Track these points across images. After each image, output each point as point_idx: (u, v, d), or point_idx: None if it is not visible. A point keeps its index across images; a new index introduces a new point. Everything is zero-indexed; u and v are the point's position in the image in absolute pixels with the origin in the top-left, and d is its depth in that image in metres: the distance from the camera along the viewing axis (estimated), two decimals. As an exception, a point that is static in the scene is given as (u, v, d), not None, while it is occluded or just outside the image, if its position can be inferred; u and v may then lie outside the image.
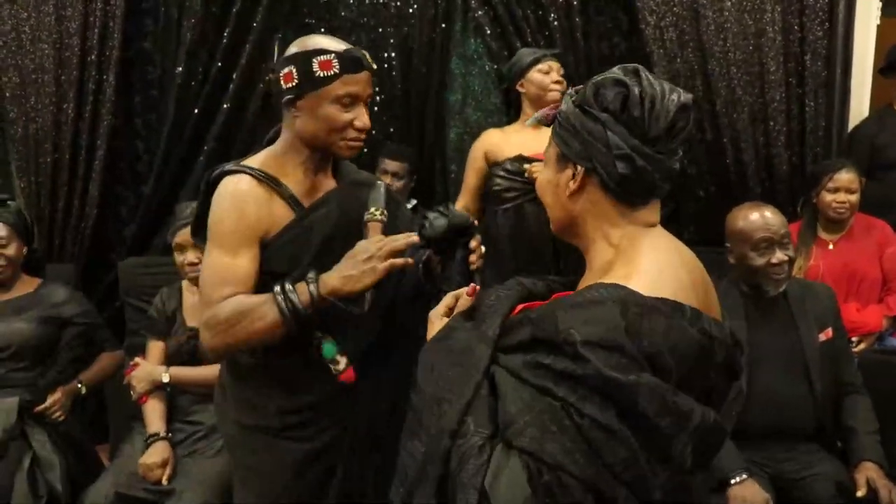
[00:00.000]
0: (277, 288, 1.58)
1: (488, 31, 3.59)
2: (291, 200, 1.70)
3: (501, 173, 3.03)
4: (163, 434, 2.46)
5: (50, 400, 2.60)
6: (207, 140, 3.64)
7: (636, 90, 1.14)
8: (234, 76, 3.60)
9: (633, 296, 1.07)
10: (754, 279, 2.39)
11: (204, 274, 1.66)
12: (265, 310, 1.57)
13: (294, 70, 1.62)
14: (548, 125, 1.27)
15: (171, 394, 2.58)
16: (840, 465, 2.36)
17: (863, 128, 3.46)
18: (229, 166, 1.72)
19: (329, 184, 1.78)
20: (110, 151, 3.61)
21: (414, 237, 1.61)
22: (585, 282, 1.21)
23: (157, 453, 2.41)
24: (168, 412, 2.54)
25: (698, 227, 3.65)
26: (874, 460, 2.29)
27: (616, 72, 1.18)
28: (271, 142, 1.79)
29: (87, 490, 2.41)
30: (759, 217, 2.38)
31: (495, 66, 3.68)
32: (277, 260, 1.67)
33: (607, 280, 1.12)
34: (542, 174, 1.27)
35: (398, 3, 3.63)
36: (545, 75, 2.98)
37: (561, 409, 1.03)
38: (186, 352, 2.58)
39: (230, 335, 1.58)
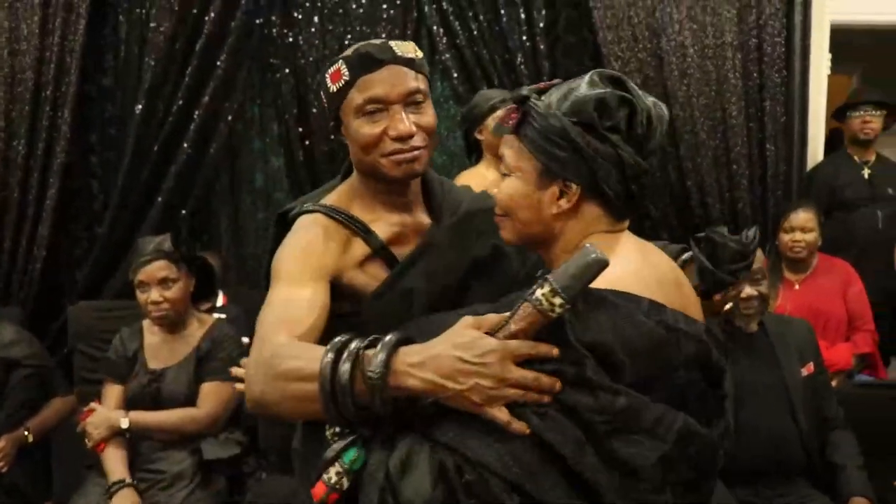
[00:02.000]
0: (330, 354, 1.06)
1: (455, 75, 3.60)
2: (384, 252, 1.37)
3: None
4: (129, 481, 2.30)
5: (-6, 448, 2.42)
6: (167, 180, 3.54)
7: (638, 108, 1.13)
8: (196, 115, 3.52)
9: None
10: (728, 314, 2.38)
11: (261, 314, 1.26)
12: (311, 377, 1.08)
13: (323, 96, 1.38)
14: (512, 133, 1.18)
15: (132, 440, 2.42)
16: (828, 501, 2.33)
17: (820, 170, 3.56)
18: (307, 206, 1.41)
19: (422, 220, 1.44)
20: (63, 190, 3.48)
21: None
22: None
23: (124, 500, 2.24)
24: (129, 460, 2.38)
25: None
26: (864, 495, 2.28)
27: (601, 82, 1.14)
28: (348, 171, 1.48)
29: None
30: None
31: (462, 109, 3.68)
32: (370, 329, 1.18)
33: None
34: (509, 187, 1.18)
35: (364, 45, 3.61)
36: None
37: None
38: (148, 395, 2.45)
39: (268, 392, 1.14)
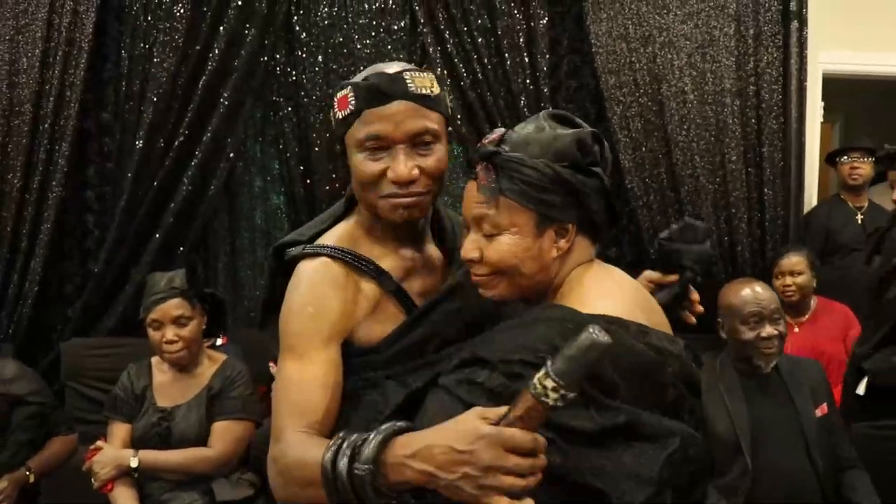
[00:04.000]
0: (329, 454, 1.05)
1: (458, 116, 3.63)
2: (398, 294, 1.31)
3: None
4: (141, 522, 2.22)
5: (-4, 489, 2.32)
6: (165, 217, 3.48)
7: (601, 138, 1.21)
8: (198, 152, 3.49)
9: (570, 313, 1.08)
10: (745, 353, 2.40)
11: (277, 395, 1.23)
12: (317, 487, 1.07)
13: (332, 116, 1.30)
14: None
15: (140, 481, 2.33)
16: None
17: (816, 214, 3.64)
18: (308, 247, 1.31)
19: (434, 256, 1.37)
20: (58, 225, 3.41)
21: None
22: None
23: (135, 543, 2.16)
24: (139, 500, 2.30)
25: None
26: None
27: (559, 123, 1.19)
28: (352, 201, 1.39)
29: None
30: (749, 292, 2.42)
31: (466, 151, 3.70)
32: (377, 376, 1.26)
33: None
34: (507, 245, 1.16)
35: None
36: None
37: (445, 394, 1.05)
38: (158, 434, 2.37)
39: (284, 488, 1.17)
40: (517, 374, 1.01)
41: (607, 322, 1.04)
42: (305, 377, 1.21)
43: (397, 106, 1.21)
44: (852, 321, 3.31)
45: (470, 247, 1.19)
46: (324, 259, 1.27)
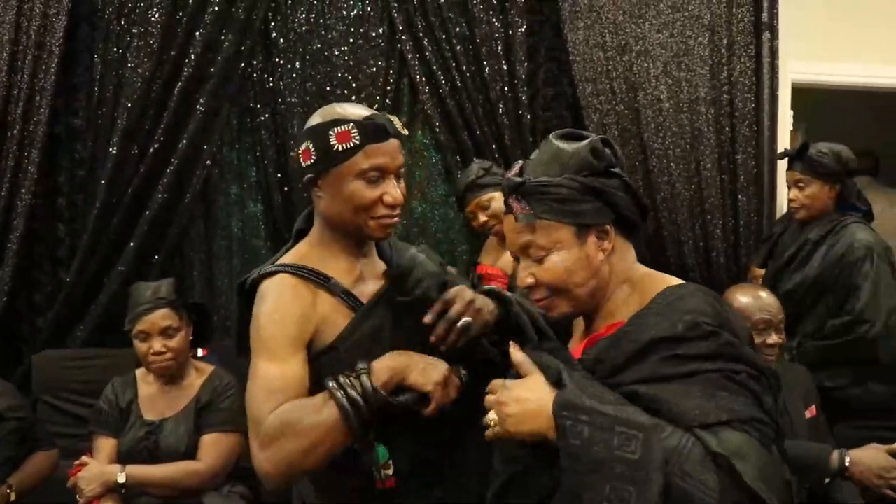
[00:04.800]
0: (333, 383, 1.35)
1: (437, 124, 3.62)
2: (346, 297, 1.49)
3: None
4: (129, 539, 2.17)
5: (-22, 508, 2.24)
6: (139, 225, 3.41)
7: (610, 142, 1.33)
8: (173, 159, 3.42)
9: (702, 287, 1.28)
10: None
11: (250, 391, 1.41)
12: (322, 409, 1.34)
13: (311, 145, 1.45)
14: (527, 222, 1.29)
15: (127, 496, 2.28)
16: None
17: (778, 222, 3.71)
18: (266, 268, 1.52)
19: (378, 268, 1.57)
20: (28, 233, 3.32)
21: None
22: (596, 325, 1.34)
23: (126, 561, 2.11)
24: (125, 517, 2.24)
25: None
26: None
27: (568, 138, 1.32)
28: (301, 231, 1.60)
29: None
30: (762, 298, 2.45)
31: (444, 158, 3.70)
32: (336, 368, 1.41)
33: (646, 300, 1.27)
34: (557, 262, 1.28)
35: (345, 91, 3.60)
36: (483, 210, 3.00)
37: (719, 378, 1.15)
38: (145, 448, 2.33)
39: (284, 449, 1.33)
40: (713, 332, 1.18)
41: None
42: (279, 372, 1.39)
43: (393, 143, 1.47)
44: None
45: (523, 275, 1.32)
46: (282, 275, 1.48)
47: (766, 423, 1.16)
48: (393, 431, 1.43)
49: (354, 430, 1.33)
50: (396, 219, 1.50)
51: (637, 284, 1.31)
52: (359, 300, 1.50)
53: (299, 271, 1.47)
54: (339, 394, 1.33)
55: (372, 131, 1.44)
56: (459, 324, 1.40)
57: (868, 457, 2.22)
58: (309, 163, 1.46)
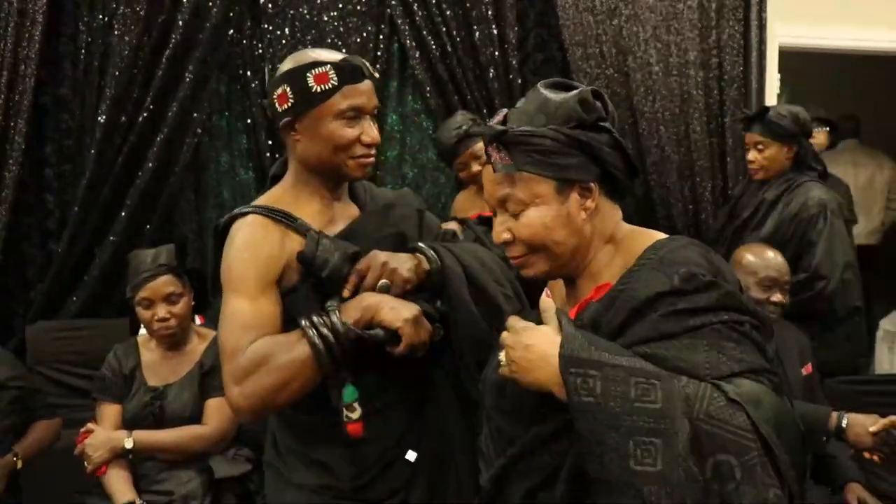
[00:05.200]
0: (305, 321, 1.41)
1: (427, 89, 3.61)
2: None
3: None
4: (139, 502, 2.18)
5: (-16, 475, 2.24)
6: (130, 195, 3.38)
7: (601, 94, 1.23)
8: (163, 127, 3.39)
9: (693, 240, 1.23)
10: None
11: (223, 326, 1.46)
12: (295, 347, 1.40)
13: (288, 89, 1.48)
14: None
15: (134, 461, 2.29)
16: (826, 490, 2.46)
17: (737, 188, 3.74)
18: (238, 209, 1.56)
19: (351, 211, 1.62)
20: (16, 205, 3.27)
21: None
22: (581, 289, 1.25)
23: (139, 523, 2.13)
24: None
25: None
26: (859, 480, 2.40)
27: (556, 87, 1.23)
28: (277, 176, 1.64)
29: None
30: (770, 256, 2.50)
31: (434, 123, 3.70)
32: (305, 305, 1.47)
33: (631, 259, 1.20)
34: (535, 217, 1.19)
35: (335, 59, 3.57)
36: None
37: (725, 328, 1.10)
38: (151, 414, 2.33)
39: (257, 384, 1.39)
40: (712, 283, 1.12)
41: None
42: (251, 308, 1.43)
43: (368, 84, 1.51)
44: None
45: (499, 229, 1.23)
46: (252, 215, 1.52)
47: (773, 373, 1.12)
48: (363, 373, 1.47)
49: (325, 367, 1.39)
50: (373, 158, 1.54)
51: (621, 243, 1.24)
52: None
53: (268, 212, 1.51)
54: (311, 332, 1.38)
55: (349, 72, 1.48)
56: (378, 287, 1.44)
57: (866, 417, 2.26)
58: (286, 106, 1.49)
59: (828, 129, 3.78)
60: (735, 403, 1.03)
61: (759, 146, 3.01)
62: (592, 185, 1.18)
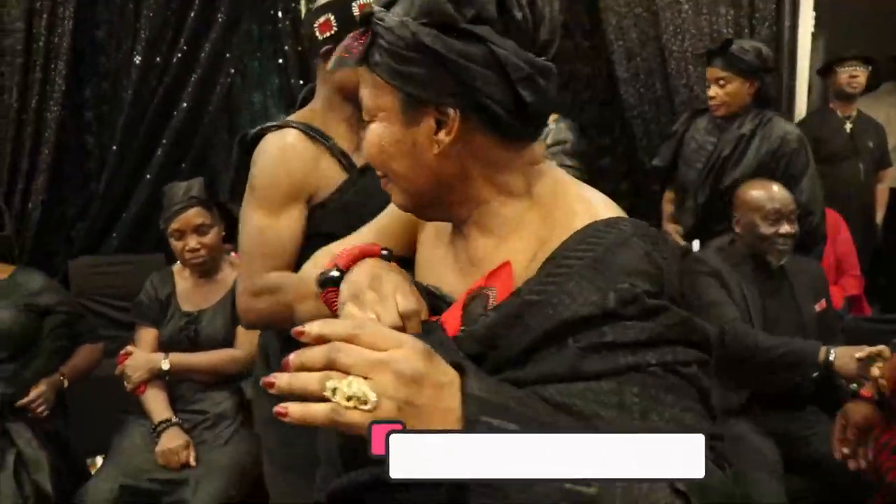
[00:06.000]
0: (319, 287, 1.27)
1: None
2: (343, 158, 1.55)
3: None
4: (175, 420, 2.31)
5: (34, 393, 2.36)
6: (165, 135, 3.48)
7: None
8: (196, 68, 3.47)
9: (637, 225, 0.86)
10: (760, 248, 2.48)
11: (243, 239, 1.49)
12: (308, 303, 1.27)
13: (332, 17, 1.49)
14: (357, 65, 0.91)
15: (170, 382, 2.41)
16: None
17: (804, 125, 3.72)
18: (271, 123, 1.58)
19: None
20: (57, 146, 3.39)
21: None
22: (496, 253, 0.92)
23: (174, 438, 2.26)
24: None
25: (658, 223, 3.79)
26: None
27: None
28: (305, 100, 1.67)
29: (85, 487, 2.21)
30: (772, 190, 2.50)
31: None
32: (331, 223, 1.46)
33: (554, 227, 0.88)
34: (374, 135, 0.91)
35: (364, 0, 3.61)
36: None
37: (664, 372, 0.78)
38: (186, 337, 2.44)
39: (268, 309, 1.43)
40: (656, 307, 0.80)
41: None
42: (272, 226, 1.46)
43: None
44: (840, 225, 3.45)
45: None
46: (288, 129, 1.52)
47: (716, 437, 0.78)
48: None
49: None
50: None
51: (538, 201, 0.92)
52: (354, 165, 1.56)
53: (306, 128, 1.53)
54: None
55: (353, 20, 1.45)
56: None
57: (853, 348, 2.24)
58: (328, 34, 1.50)
59: (869, 68, 3.70)
60: (681, 495, 0.71)
61: (721, 81, 2.96)
62: (450, 111, 0.85)
